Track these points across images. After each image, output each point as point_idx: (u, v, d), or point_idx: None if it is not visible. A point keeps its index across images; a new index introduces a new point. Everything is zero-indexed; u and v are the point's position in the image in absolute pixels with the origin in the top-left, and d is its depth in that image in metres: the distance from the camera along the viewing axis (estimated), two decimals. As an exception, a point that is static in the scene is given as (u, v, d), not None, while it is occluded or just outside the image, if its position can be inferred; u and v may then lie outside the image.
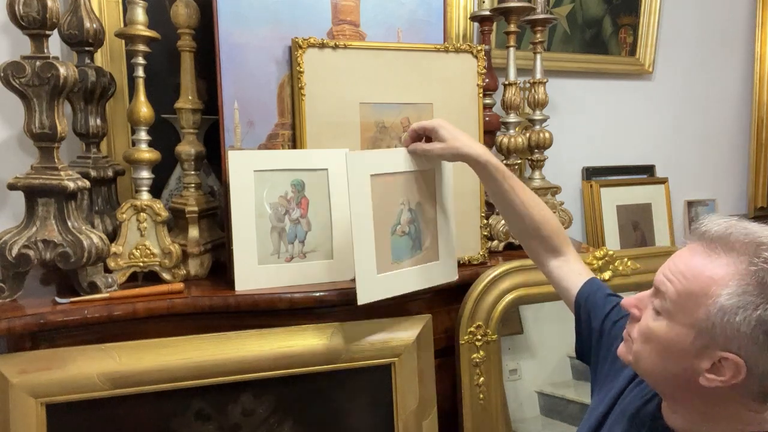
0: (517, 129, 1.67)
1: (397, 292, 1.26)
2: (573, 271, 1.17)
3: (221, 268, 1.42)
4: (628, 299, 0.93)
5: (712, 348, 0.80)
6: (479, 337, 1.45)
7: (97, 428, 1.19)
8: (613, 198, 2.19)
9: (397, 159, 1.25)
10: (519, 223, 1.20)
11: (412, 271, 1.29)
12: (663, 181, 2.31)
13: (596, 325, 1.11)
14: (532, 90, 1.74)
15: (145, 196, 1.35)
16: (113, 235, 1.35)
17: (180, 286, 1.29)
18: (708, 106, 2.42)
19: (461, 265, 1.50)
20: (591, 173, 2.22)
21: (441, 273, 1.35)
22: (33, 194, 1.20)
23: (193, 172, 1.42)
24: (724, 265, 0.80)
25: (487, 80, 1.60)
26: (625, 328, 0.94)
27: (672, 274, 0.84)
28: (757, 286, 0.77)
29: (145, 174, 1.36)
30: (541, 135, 1.73)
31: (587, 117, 2.21)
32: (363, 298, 1.20)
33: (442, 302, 1.44)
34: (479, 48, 1.49)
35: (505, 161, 1.67)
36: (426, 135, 1.23)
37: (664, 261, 0.88)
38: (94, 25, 1.39)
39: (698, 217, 2.36)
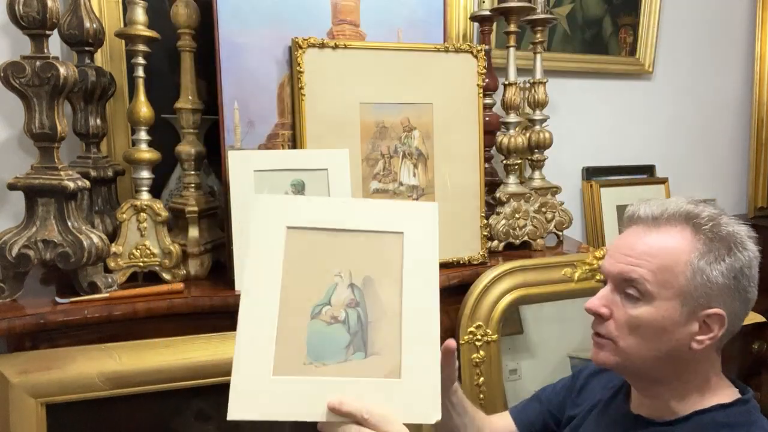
0: (517, 129, 1.67)
1: (305, 414, 0.79)
2: (493, 420, 1.17)
3: (221, 268, 1.42)
4: (591, 302, 0.91)
5: (698, 309, 0.85)
6: (479, 337, 1.45)
7: (97, 428, 1.19)
8: (613, 198, 2.19)
9: (335, 211, 0.87)
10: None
11: (341, 383, 0.81)
12: (663, 181, 2.31)
13: (546, 409, 1.17)
14: (532, 90, 1.74)
15: (145, 196, 1.35)
16: (113, 235, 1.35)
17: (180, 286, 1.29)
18: (708, 106, 2.42)
19: (461, 265, 1.50)
20: (591, 173, 2.22)
21: (405, 401, 0.82)
22: (33, 194, 1.20)
23: (193, 172, 1.42)
24: (676, 235, 0.87)
25: (487, 80, 1.60)
26: (594, 340, 0.92)
27: (636, 259, 0.87)
28: (711, 243, 0.85)
29: (145, 174, 1.36)
30: (541, 135, 1.73)
31: (587, 117, 2.20)
32: (236, 411, 0.78)
33: (442, 302, 1.42)
34: (479, 48, 1.49)
35: (505, 161, 1.67)
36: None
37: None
38: (94, 25, 1.39)
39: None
